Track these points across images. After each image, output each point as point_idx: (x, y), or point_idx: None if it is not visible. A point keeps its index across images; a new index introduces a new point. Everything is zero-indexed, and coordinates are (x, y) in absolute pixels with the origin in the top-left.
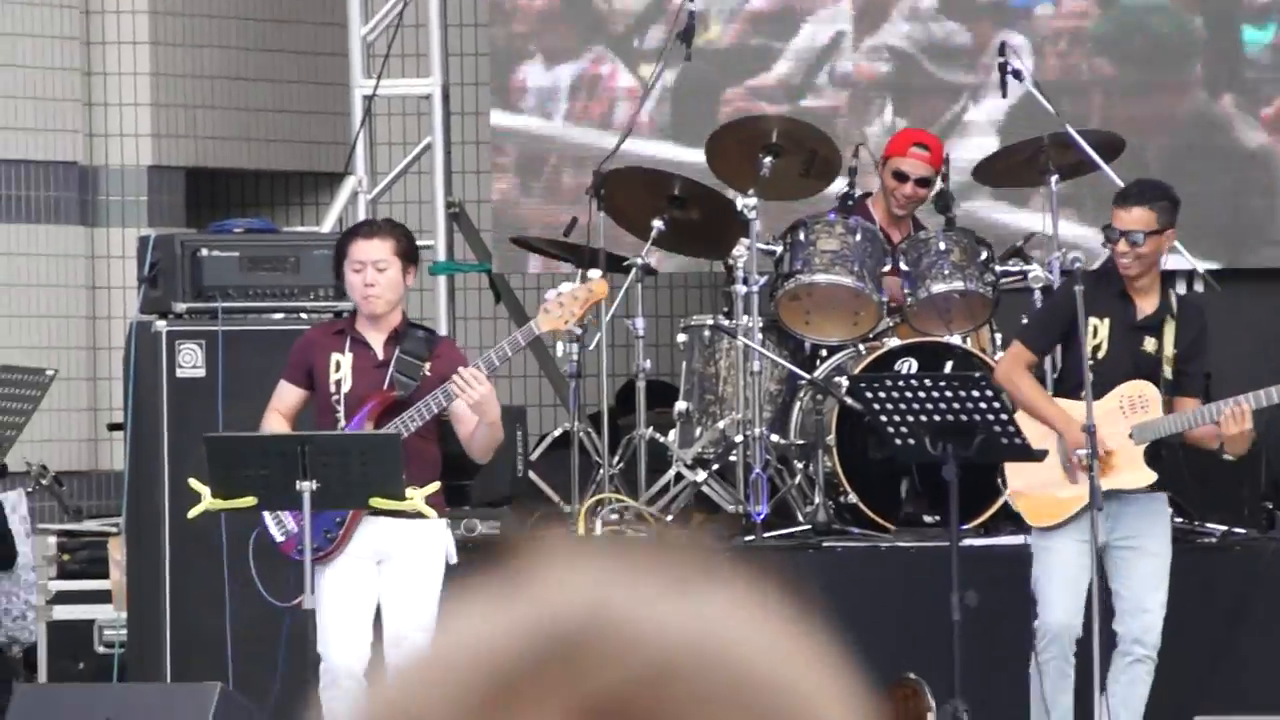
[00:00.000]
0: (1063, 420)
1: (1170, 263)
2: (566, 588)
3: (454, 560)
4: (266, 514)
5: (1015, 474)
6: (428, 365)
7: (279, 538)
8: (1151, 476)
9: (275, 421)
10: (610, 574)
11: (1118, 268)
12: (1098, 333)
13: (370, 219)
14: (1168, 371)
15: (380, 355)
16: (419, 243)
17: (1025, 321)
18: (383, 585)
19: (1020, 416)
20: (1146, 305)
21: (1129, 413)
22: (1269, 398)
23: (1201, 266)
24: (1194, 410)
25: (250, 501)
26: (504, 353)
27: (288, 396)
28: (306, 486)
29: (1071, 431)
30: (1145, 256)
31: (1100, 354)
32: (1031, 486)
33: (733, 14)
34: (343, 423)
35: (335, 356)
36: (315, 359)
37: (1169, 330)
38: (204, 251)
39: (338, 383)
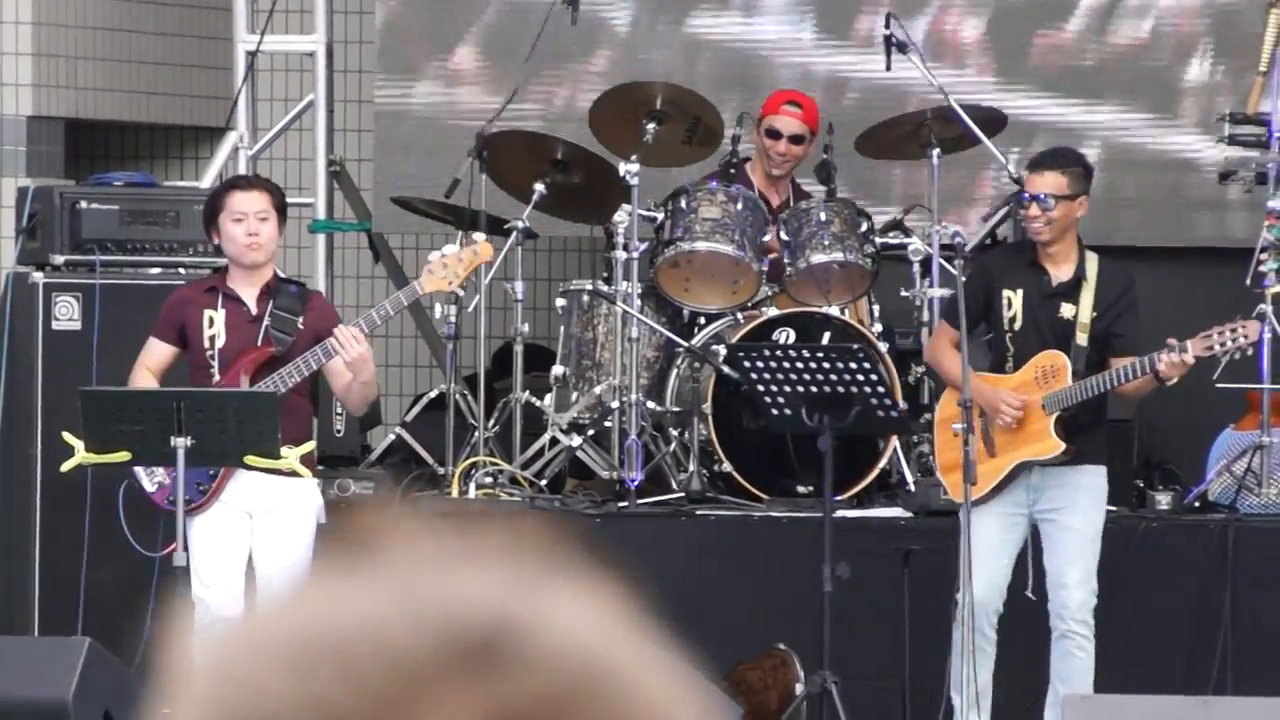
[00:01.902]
0: (983, 394)
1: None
2: (463, 583)
3: (324, 520)
4: None
5: (941, 450)
6: (301, 320)
7: (150, 488)
8: (1057, 447)
9: (144, 378)
10: (505, 575)
11: (1030, 234)
12: (1011, 304)
13: (243, 174)
14: (1081, 338)
15: (254, 310)
16: (299, 200)
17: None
18: (255, 540)
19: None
20: (1061, 273)
21: (1043, 383)
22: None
23: None
24: (1097, 376)
25: (124, 456)
26: (385, 312)
27: (157, 353)
28: (181, 443)
29: (993, 404)
30: (1056, 221)
31: (1016, 325)
32: (954, 462)
33: None
34: (217, 378)
35: (208, 313)
36: (188, 316)
37: (1086, 295)
38: (83, 204)
39: (212, 338)
